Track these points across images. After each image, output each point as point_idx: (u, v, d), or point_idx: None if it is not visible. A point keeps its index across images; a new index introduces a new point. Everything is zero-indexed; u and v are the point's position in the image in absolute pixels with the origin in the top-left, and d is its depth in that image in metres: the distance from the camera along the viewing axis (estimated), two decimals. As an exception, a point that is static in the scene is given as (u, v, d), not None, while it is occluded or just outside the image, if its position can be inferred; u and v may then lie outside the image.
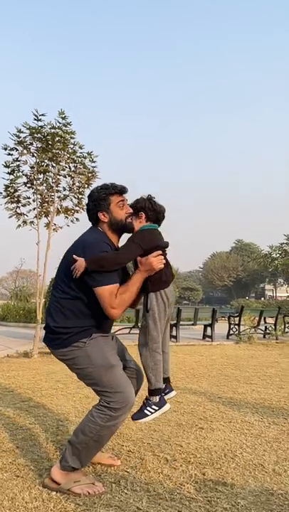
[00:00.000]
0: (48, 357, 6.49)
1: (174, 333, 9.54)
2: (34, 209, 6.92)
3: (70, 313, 2.06)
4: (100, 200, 2.16)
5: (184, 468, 2.33)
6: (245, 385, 4.66)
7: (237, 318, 10.44)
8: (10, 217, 6.91)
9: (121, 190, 2.20)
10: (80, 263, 1.95)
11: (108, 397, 1.99)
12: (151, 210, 2.16)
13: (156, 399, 2.10)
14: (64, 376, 4.90)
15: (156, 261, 2.03)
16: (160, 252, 2.08)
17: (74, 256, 1.99)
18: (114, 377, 2.02)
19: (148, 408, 2.10)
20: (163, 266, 2.08)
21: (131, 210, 2.19)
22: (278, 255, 17.77)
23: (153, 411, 2.09)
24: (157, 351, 2.09)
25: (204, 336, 10.02)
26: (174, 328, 9.55)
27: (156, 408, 2.10)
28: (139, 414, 2.10)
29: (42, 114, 6.53)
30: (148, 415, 2.09)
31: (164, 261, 2.09)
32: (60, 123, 6.65)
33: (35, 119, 6.52)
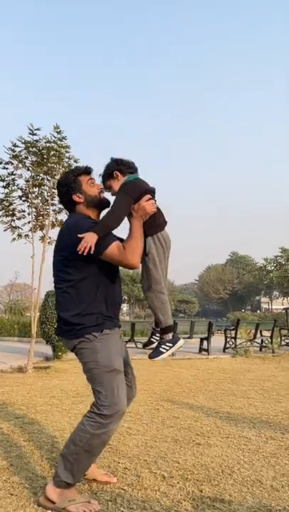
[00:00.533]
0: (43, 372, 6.42)
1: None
2: (29, 222, 6.91)
3: (79, 299, 2.06)
4: (70, 183, 2.21)
5: (181, 486, 2.29)
6: (242, 400, 4.62)
7: (233, 332, 10.40)
8: (5, 230, 6.89)
9: (87, 170, 2.26)
10: (89, 237, 1.93)
11: (101, 400, 1.97)
12: (123, 165, 2.21)
13: (169, 336, 2.14)
14: (59, 391, 4.84)
15: (148, 205, 2.08)
16: (150, 196, 2.12)
17: (78, 235, 1.95)
18: (113, 382, 2.00)
19: (162, 346, 2.13)
20: (156, 209, 2.12)
21: (102, 186, 2.25)
22: (273, 268, 17.85)
23: (168, 347, 2.12)
24: (162, 291, 2.12)
25: (200, 350, 9.95)
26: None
27: (171, 345, 2.13)
28: (155, 353, 2.13)
29: (37, 129, 6.57)
30: (164, 352, 2.11)
31: (155, 204, 2.14)
32: (55, 137, 6.69)
33: (30, 134, 6.57)
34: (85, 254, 1.90)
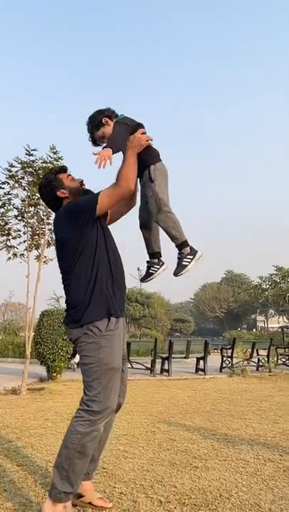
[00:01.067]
0: (37, 393, 6.31)
1: (166, 367, 9.39)
2: (24, 241, 6.93)
3: (84, 282, 2.08)
4: (52, 181, 2.31)
5: (178, 511, 2.24)
6: (239, 421, 4.55)
7: (230, 351, 10.33)
8: (0, 250, 6.90)
9: (63, 168, 2.38)
10: (104, 151, 2.01)
11: (93, 395, 1.98)
12: (108, 112, 2.32)
13: (188, 249, 2.19)
14: (53, 414, 4.75)
15: (143, 137, 2.18)
16: (144, 130, 2.23)
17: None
18: (110, 380, 2.01)
19: (184, 260, 2.18)
20: (151, 140, 2.22)
21: (81, 179, 2.35)
22: (268, 286, 17.88)
23: (189, 260, 2.18)
24: (171, 211, 2.20)
25: (197, 369, 9.86)
26: (166, 361, 9.40)
27: (191, 257, 2.18)
28: (180, 269, 2.17)
29: (33, 149, 6.66)
30: (187, 265, 2.17)
31: (150, 137, 2.22)
32: (51, 157, 6.77)
33: (27, 154, 6.64)
34: (103, 168, 1.98)
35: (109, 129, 2.28)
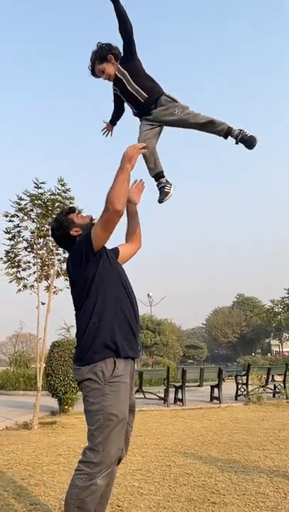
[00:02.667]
0: (49, 428, 6.19)
1: (179, 396, 9.18)
2: (34, 273, 6.98)
3: (90, 320, 2.05)
4: (63, 222, 2.34)
5: None
6: (257, 452, 4.40)
7: (244, 377, 10.10)
8: (10, 281, 6.94)
9: (71, 210, 2.44)
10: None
11: (94, 445, 1.89)
12: (115, 50, 2.35)
13: (165, 179, 2.39)
14: (66, 449, 4.65)
15: (133, 149, 2.13)
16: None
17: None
18: (113, 431, 1.91)
19: (166, 187, 2.33)
20: (144, 150, 2.21)
21: (90, 215, 2.39)
22: (281, 309, 17.63)
23: (169, 187, 2.33)
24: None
25: (212, 398, 9.62)
26: (180, 390, 9.21)
27: (170, 185, 2.35)
28: (163, 195, 2.31)
29: (42, 182, 6.80)
30: (169, 192, 2.31)
31: (139, 145, 2.20)
32: (59, 189, 6.91)
33: (35, 187, 6.78)
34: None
35: (111, 67, 2.32)
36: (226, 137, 2.27)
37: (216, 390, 9.54)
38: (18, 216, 6.83)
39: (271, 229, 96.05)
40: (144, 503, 2.87)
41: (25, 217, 6.83)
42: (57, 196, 6.84)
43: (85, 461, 1.89)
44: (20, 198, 6.74)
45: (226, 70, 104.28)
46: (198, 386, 10.12)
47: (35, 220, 6.86)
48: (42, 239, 6.97)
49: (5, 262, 6.86)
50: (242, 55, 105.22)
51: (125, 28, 2.28)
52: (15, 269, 6.94)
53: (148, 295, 31.00)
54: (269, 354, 52.15)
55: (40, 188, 6.79)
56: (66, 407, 7.63)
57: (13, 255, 6.88)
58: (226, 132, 2.25)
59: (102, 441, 1.88)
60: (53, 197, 6.81)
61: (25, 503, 2.90)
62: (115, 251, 2.41)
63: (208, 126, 2.26)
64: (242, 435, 5.38)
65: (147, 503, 2.87)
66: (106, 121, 2.70)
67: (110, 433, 1.90)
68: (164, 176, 2.37)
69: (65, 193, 6.94)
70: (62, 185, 6.94)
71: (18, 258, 6.93)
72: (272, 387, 10.52)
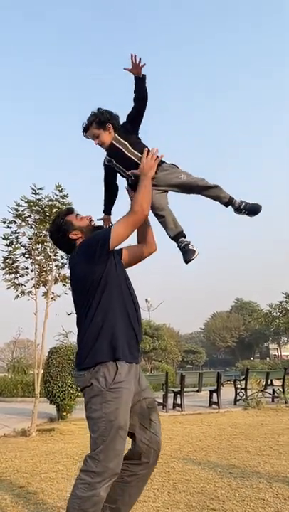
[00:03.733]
0: (47, 434, 6.16)
1: (178, 402, 9.15)
2: (32, 279, 6.96)
3: (93, 321, 2.01)
4: (62, 226, 2.28)
5: None
6: (256, 457, 4.39)
7: (243, 382, 10.08)
8: (8, 288, 6.93)
9: (69, 211, 2.37)
10: (150, 160, 2.14)
11: (95, 454, 1.85)
12: (115, 120, 2.27)
13: (185, 238, 2.22)
14: (64, 456, 4.62)
15: (150, 160, 2.16)
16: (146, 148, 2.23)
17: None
18: (114, 438, 1.86)
19: (191, 245, 2.16)
20: (160, 156, 2.22)
21: (89, 216, 2.32)
22: (279, 314, 17.64)
23: (193, 245, 2.17)
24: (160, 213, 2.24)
25: (210, 403, 9.59)
26: (179, 396, 9.18)
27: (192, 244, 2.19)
28: (190, 253, 2.13)
29: (40, 188, 6.81)
30: (195, 250, 2.15)
31: (155, 152, 2.21)
32: (57, 195, 6.92)
33: (33, 193, 6.79)
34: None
35: (107, 136, 2.24)
36: (226, 205, 2.27)
37: (214, 395, 9.51)
38: (15, 222, 6.82)
39: (271, 230, 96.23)
40: (143, 510, 2.86)
41: (23, 224, 6.83)
42: (55, 202, 6.84)
43: (86, 470, 1.85)
44: (18, 204, 6.75)
45: (225, 71, 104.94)
46: (197, 391, 10.09)
47: (33, 226, 6.86)
48: (40, 245, 6.97)
49: (3, 269, 6.85)
50: (242, 56, 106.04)
51: (143, 107, 2.26)
52: (13, 276, 6.93)
53: (146, 300, 30.95)
54: (268, 358, 52.13)
55: (38, 194, 6.80)
56: (64, 413, 7.59)
57: (10, 261, 6.87)
58: (229, 200, 2.25)
59: (103, 449, 1.84)
60: (50, 203, 6.82)
61: (23, 511, 2.88)
62: (119, 252, 2.33)
63: (214, 189, 2.24)
64: (241, 440, 5.37)
65: (146, 510, 2.86)
66: (101, 217, 2.47)
67: (111, 442, 1.86)
68: (185, 236, 2.23)
69: (63, 198, 6.94)
70: (60, 191, 6.95)
71: (15, 264, 6.92)
72: (271, 391, 10.50)
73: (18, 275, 6.96)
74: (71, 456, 4.59)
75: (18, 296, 6.91)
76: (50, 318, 6.76)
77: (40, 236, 6.87)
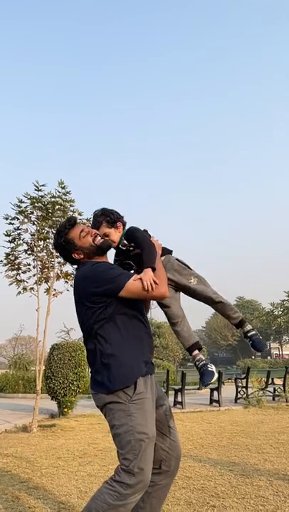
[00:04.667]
0: (48, 430, 6.19)
1: (179, 399, 9.17)
2: (34, 275, 6.98)
3: (107, 344, 1.94)
4: (63, 246, 2.15)
5: None
6: (257, 455, 4.39)
7: (244, 381, 10.09)
8: (10, 284, 6.95)
9: (71, 224, 2.18)
10: (147, 274, 1.93)
11: (127, 468, 1.81)
12: (121, 217, 2.28)
13: (200, 356, 2.15)
14: (65, 452, 4.64)
15: (156, 241, 2.21)
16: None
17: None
18: (145, 450, 1.83)
19: (208, 365, 2.10)
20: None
21: (94, 231, 2.17)
22: (280, 312, 17.61)
23: (212, 365, 2.11)
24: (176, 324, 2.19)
25: (211, 401, 9.60)
26: (180, 393, 9.20)
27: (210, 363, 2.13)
28: (208, 377, 2.07)
29: (42, 185, 6.81)
30: (213, 370, 2.09)
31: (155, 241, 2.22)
32: (59, 192, 6.92)
33: (36, 190, 6.80)
34: (153, 291, 1.91)
35: (116, 235, 2.21)
36: (237, 327, 2.28)
37: (215, 393, 9.52)
38: (18, 219, 6.84)
39: (271, 230, 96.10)
40: (144, 506, 2.86)
41: (26, 220, 6.84)
42: (57, 199, 6.85)
43: (119, 481, 1.80)
44: (21, 201, 6.76)
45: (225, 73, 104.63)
46: (198, 389, 10.12)
47: (36, 223, 6.87)
48: (42, 241, 6.98)
49: (5, 265, 6.87)
50: (242, 59, 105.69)
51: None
52: (15, 272, 6.95)
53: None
54: (269, 357, 52.10)
55: (40, 190, 6.81)
56: (65, 409, 7.61)
57: (13, 258, 6.89)
58: (240, 322, 2.27)
59: (136, 463, 1.81)
60: (53, 199, 6.82)
61: (24, 506, 2.90)
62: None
63: (220, 306, 2.24)
64: (241, 438, 5.37)
65: (146, 506, 2.86)
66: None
67: (143, 453, 1.83)
68: (201, 348, 2.18)
69: (65, 195, 6.95)
70: (63, 187, 6.95)
71: (18, 260, 6.94)
72: (271, 390, 10.50)
73: (20, 271, 6.98)
74: (72, 452, 4.61)
75: (20, 292, 6.93)
76: (52, 315, 6.79)
77: (43, 233, 6.88)
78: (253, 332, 2.26)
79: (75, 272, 2.27)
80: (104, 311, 1.96)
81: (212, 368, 2.10)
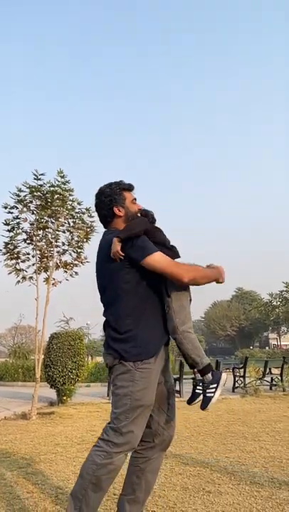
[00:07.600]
0: (47, 418, 6.25)
1: (177, 388, 9.24)
2: (33, 264, 6.99)
3: (130, 319, 1.97)
4: (115, 195, 2.14)
5: (191, 539, 2.18)
6: (253, 443, 4.45)
7: (242, 370, 10.17)
8: (9, 273, 6.96)
9: (130, 187, 2.21)
10: (114, 244, 1.95)
11: (116, 426, 1.88)
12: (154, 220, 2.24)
13: (209, 376, 1.99)
14: (63, 439, 4.70)
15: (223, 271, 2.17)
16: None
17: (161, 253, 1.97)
18: (139, 416, 1.91)
19: (208, 391, 1.97)
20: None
21: (141, 206, 2.21)
22: (279, 303, 17.68)
23: (213, 390, 1.96)
24: (189, 331, 2.01)
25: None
26: (178, 382, 9.27)
27: (215, 385, 1.97)
28: (205, 403, 1.96)
29: (42, 174, 6.78)
30: (212, 397, 1.95)
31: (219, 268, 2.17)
32: (58, 181, 6.89)
33: (35, 179, 6.77)
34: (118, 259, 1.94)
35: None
36: (199, 372, 2.06)
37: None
38: (17, 208, 6.82)
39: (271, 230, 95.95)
40: (140, 491, 2.91)
41: (25, 209, 6.82)
42: (56, 188, 6.83)
43: (106, 439, 1.89)
44: (20, 190, 6.73)
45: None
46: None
47: (35, 212, 6.85)
48: (41, 231, 6.98)
49: (4, 254, 6.87)
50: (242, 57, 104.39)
51: None
52: (14, 261, 6.95)
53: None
54: (267, 347, 52.42)
55: (39, 179, 6.78)
56: (64, 397, 7.69)
57: (12, 247, 6.88)
58: (201, 370, 2.03)
59: (126, 424, 1.88)
60: (52, 189, 6.80)
61: (22, 491, 2.94)
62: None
63: (184, 351, 2.01)
64: (238, 426, 5.44)
65: (143, 491, 2.91)
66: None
67: (136, 418, 1.90)
68: (212, 370, 2.03)
69: (64, 184, 6.92)
70: (62, 176, 6.92)
71: (17, 250, 6.93)
72: (269, 379, 10.59)
73: (19, 261, 6.98)
74: (70, 439, 4.67)
75: (19, 281, 6.95)
76: (51, 304, 6.81)
77: (42, 222, 6.87)
78: (205, 385, 2.00)
79: (102, 235, 2.21)
80: (131, 277, 1.98)
81: (213, 392, 1.97)
